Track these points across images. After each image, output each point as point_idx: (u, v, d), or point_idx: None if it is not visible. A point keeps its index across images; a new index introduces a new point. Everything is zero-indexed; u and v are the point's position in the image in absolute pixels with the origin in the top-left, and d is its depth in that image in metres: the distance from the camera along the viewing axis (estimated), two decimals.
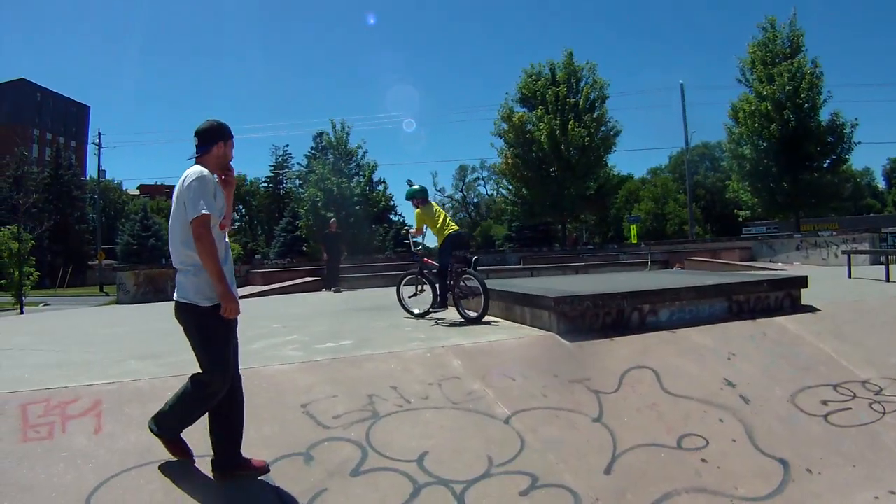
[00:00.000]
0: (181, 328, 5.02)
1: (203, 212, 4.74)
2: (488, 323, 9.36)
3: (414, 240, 12.13)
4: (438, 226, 10.91)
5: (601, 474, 5.17)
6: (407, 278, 12.07)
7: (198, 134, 5.16)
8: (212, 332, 4.97)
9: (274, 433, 5.51)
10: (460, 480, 4.88)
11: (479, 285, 9.81)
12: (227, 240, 5.24)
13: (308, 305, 15.84)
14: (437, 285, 11.07)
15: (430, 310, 11.09)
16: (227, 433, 4.99)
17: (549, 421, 5.83)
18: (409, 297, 11.61)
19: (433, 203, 11.49)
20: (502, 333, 8.16)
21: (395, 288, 12.27)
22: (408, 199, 11.66)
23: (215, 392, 4.91)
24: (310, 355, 7.42)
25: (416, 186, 11.38)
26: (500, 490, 4.83)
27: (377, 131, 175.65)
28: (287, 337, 9.12)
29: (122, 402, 5.96)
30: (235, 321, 5.04)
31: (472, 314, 9.83)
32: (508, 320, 9.20)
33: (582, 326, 7.93)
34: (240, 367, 5.23)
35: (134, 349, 8.83)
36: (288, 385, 6.43)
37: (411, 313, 11.38)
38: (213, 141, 5.13)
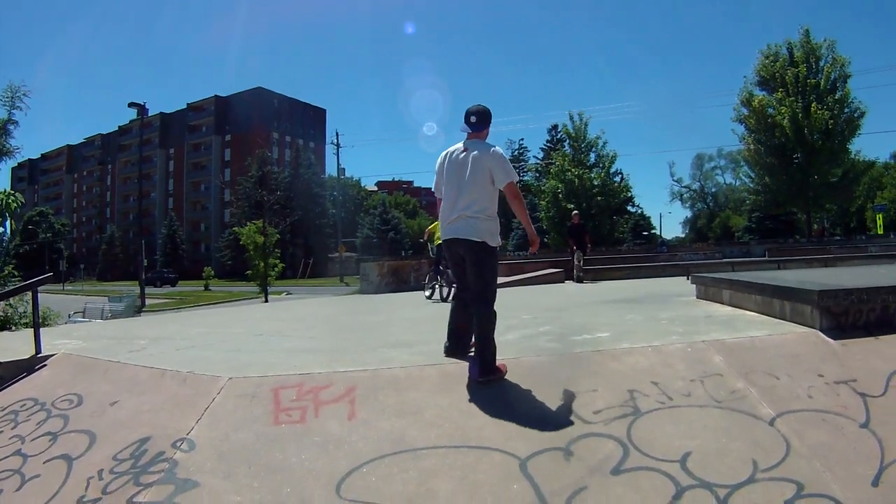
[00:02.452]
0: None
1: (516, 178, 6.56)
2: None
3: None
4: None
5: (868, 486, 4.72)
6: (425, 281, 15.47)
7: (476, 114, 6.65)
8: (495, 266, 6.68)
9: (530, 426, 5.39)
10: (724, 484, 4.58)
11: None
12: None
13: (556, 296, 15.82)
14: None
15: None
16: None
17: (816, 425, 5.41)
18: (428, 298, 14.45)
19: None
20: (762, 329, 7.69)
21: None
22: None
23: (495, 312, 6.51)
24: (566, 347, 7.29)
25: None
26: (764, 497, 4.50)
27: (613, 122, 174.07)
28: (540, 328, 9.01)
29: (376, 389, 6.07)
30: None
31: None
32: (766, 315, 8.64)
33: (845, 323, 7.36)
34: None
35: (385, 337, 9.07)
36: (547, 377, 6.32)
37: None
38: (487, 122, 6.73)
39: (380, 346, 8.06)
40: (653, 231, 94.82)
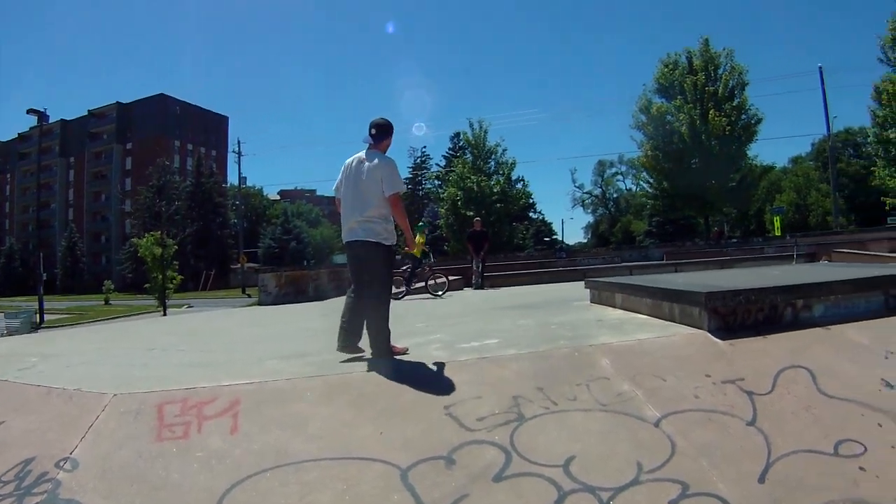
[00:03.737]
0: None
1: (401, 190, 7.39)
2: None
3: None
4: None
5: (755, 482, 4.82)
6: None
7: (376, 126, 7.45)
8: (389, 263, 7.51)
9: (415, 435, 5.40)
10: (608, 487, 4.63)
11: None
12: None
13: (453, 304, 16.00)
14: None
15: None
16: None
17: (702, 424, 5.53)
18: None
19: None
20: (651, 331, 7.85)
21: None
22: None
23: (387, 303, 7.43)
24: (453, 355, 7.33)
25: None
26: (648, 498, 4.56)
27: (516, 128, 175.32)
28: (430, 336, 9.08)
29: (260, 402, 6.04)
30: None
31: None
32: (656, 317, 8.82)
33: (733, 323, 7.57)
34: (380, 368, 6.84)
35: (277, 348, 9.06)
36: (431, 385, 6.34)
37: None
38: (387, 135, 7.53)
39: (270, 358, 8.00)
40: (554, 237, 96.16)
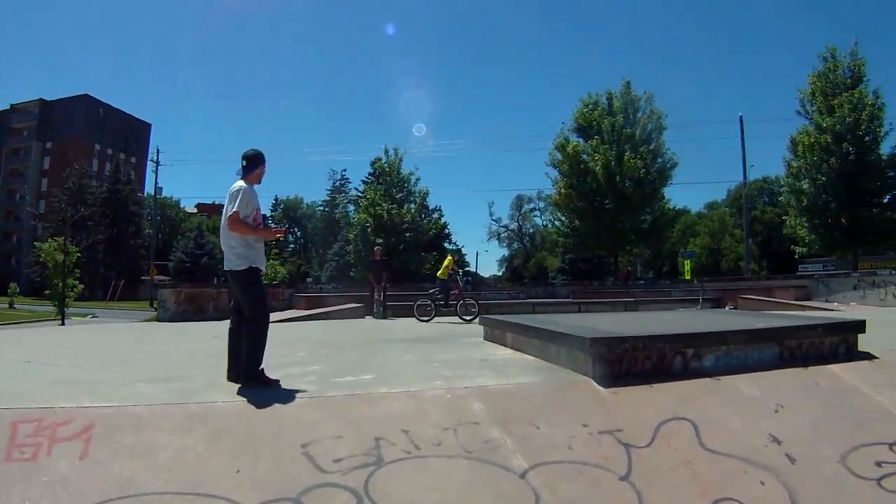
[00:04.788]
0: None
1: (241, 211, 7.41)
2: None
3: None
4: None
5: None
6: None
7: (245, 158, 7.78)
8: (260, 288, 7.72)
9: (266, 473, 5.13)
10: None
11: None
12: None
13: (347, 333, 15.59)
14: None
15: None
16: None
17: (572, 477, 5.30)
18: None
19: None
20: (534, 375, 7.63)
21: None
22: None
23: (264, 328, 7.43)
24: (323, 389, 7.05)
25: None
26: None
27: (439, 159, 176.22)
28: (308, 367, 8.77)
29: (115, 428, 5.73)
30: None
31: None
32: (543, 360, 8.59)
33: (619, 371, 7.35)
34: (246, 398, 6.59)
35: (151, 370, 8.80)
36: (292, 421, 6.04)
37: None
38: (255, 166, 7.78)
39: (139, 380, 7.65)
40: (467, 268, 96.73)
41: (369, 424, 5.96)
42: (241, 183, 7.61)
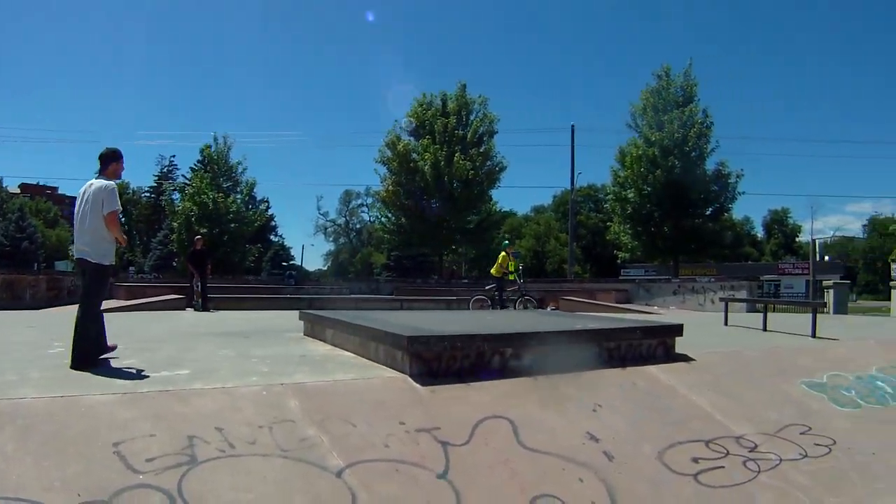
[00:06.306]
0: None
1: (116, 209, 7.99)
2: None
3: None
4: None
5: None
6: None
7: (101, 157, 8.27)
8: (104, 281, 8.31)
9: (77, 474, 4.84)
10: None
11: None
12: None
13: (166, 325, 15.09)
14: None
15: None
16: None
17: (388, 476, 5.29)
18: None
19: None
20: (352, 372, 7.55)
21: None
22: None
23: (98, 316, 8.04)
24: (138, 385, 6.74)
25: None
26: None
27: (272, 149, 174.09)
28: (124, 361, 8.32)
29: None
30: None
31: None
32: (363, 357, 8.58)
33: (438, 369, 7.41)
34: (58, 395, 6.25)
35: None
36: (104, 418, 5.73)
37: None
38: (110, 162, 8.26)
39: None
40: (292, 262, 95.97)
41: (183, 422, 5.78)
42: (108, 182, 8.07)
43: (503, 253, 22.05)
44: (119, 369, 7.76)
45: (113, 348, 8.43)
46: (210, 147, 51.89)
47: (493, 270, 21.94)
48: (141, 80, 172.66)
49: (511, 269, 21.89)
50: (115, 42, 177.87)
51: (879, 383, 9.51)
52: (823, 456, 7.10)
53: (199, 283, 23.08)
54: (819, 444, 7.31)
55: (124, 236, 8.55)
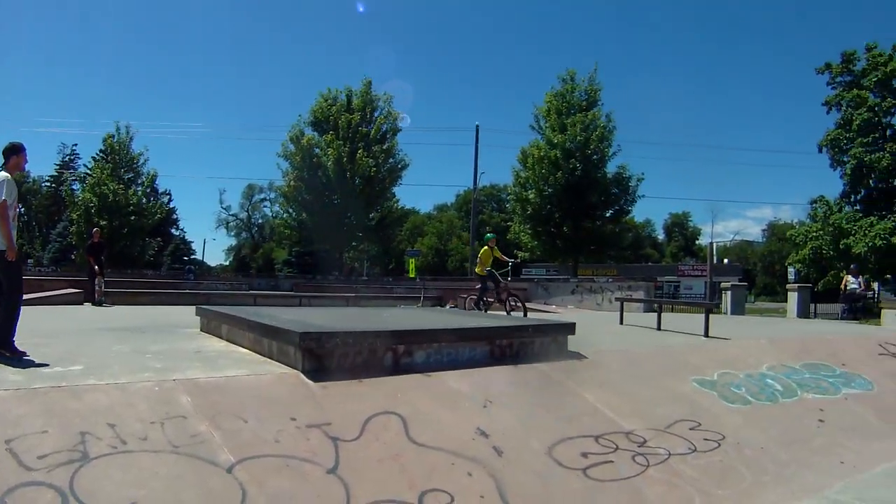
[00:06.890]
0: None
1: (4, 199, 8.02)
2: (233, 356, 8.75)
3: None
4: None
5: None
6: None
7: (3, 151, 8.46)
8: (18, 269, 8.44)
9: None
10: None
11: None
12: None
13: (61, 320, 14.82)
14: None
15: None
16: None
17: (279, 471, 5.37)
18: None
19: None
20: (244, 368, 7.59)
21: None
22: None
23: (19, 301, 8.24)
24: (31, 381, 6.64)
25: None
26: None
27: (177, 141, 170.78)
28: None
29: None
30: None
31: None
32: (257, 353, 8.63)
33: (330, 366, 7.50)
34: None
35: None
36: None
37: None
38: (9, 156, 8.46)
39: None
40: (193, 256, 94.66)
41: (76, 418, 5.74)
42: (3, 173, 8.20)
43: (485, 248, 19.16)
44: (12, 365, 7.66)
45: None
46: (112, 137, 50.97)
47: (477, 269, 19.73)
48: (44, 66, 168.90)
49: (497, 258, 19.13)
50: (14, 25, 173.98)
51: (769, 381, 9.96)
52: (712, 450, 7.43)
53: (99, 277, 22.81)
54: (708, 440, 7.64)
55: (12, 232, 8.42)
